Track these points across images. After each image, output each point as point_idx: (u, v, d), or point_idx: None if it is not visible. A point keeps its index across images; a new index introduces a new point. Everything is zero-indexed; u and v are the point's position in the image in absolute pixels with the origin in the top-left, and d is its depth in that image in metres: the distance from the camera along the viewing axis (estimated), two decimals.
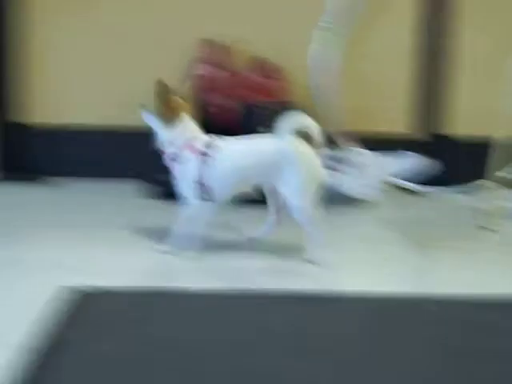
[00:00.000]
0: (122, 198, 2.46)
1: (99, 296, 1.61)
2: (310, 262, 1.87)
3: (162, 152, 1.92)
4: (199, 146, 1.89)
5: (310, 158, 1.87)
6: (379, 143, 2.52)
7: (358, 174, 2.44)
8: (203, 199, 1.89)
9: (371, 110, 2.67)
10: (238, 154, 1.90)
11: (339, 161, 2.43)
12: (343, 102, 2.49)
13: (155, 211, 2.31)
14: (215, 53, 2.56)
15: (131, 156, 2.60)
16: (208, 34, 2.57)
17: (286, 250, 1.97)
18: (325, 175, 1.90)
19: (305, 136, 1.87)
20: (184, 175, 1.90)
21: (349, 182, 2.42)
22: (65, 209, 2.35)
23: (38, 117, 2.73)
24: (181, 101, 1.93)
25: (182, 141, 1.90)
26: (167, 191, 2.30)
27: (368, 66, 2.67)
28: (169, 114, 1.90)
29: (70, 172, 2.68)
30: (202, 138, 1.91)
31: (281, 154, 1.86)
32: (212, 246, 1.95)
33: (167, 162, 1.91)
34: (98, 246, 1.97)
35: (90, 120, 2.69)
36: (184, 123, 1.91)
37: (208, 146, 1.89)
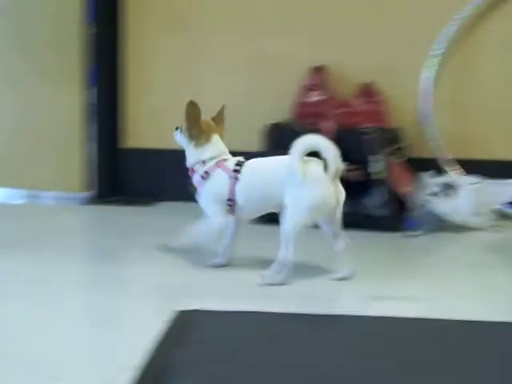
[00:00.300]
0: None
1: (208, 318, 1.62)
2: (262, 277, 1.85)
3: (192, 171, 1.99)
4: (230, 164, 1.96)
5: (317, 182, 1.83)
6: (491, 170, 2.48)
7: (467, 200, 2.40)
8: (232, 217, 1.95)
9: (483, 137, 2.63)
10: (254, 171, 1.95)
11: (447, 187, 2.40)
12: (452, 127, 2.48)
13: (254, 235, 2.32)
14: (324, 79, 2.57)
15: None
16: (316, 61, 2.59)
17: (383, 276, 1.95)
18: (331, 200, 1.84)
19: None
20: (215, 193, 1.96)
21: (456, 208, 2.39)
22: (164, 231, 2.38)
23: (135, 141, 2.82)
24: (211, 123, 2.00)
25: (213, 160, 1.97)
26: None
27: (480, 92, 2.63)
28: (200, 135, 1.98)
29: (171, 195, 2.74)
30: (230, 157, 1.99)
31: (287, 173, 1.85)
32: (299, 269, 1.95)
33: (196, 181, 1.98)
34: (201, 269, 1.99)
35: None
36: (214, 144, 1.99)
37: (238, 164, 1.96)
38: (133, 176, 2.81)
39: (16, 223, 2.48)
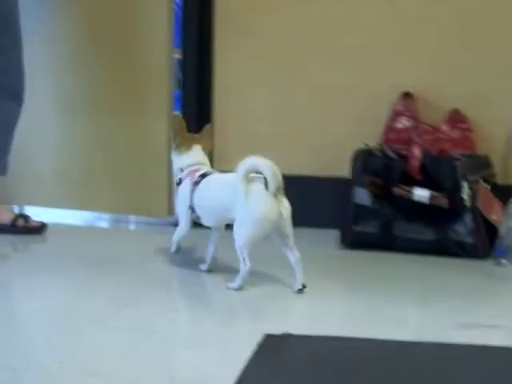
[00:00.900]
0: (315, 247, 2.51)
1: (298, 342, 1.65)
2: (228, 288, 2.03)
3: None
4: (197, 175, 2.17)
5: (258, 200, 1.99)
6: None
7: None
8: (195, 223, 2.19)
9: None
10: (208, 184, 2.15)
11: None
12: None
13: (348, 261, 2.37)
14: (412, 105, 2.60)
15: (326, 204, 2.70)
16: (405, 87, 2.62)
17: (472, 303, 1.96)
18: (272, 215, 1.98)
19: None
20: (181, 200, 2.20)
21: None
22: (258, 257, 2.42)
23: (221, 166, 2.87)
24: (196, 136, 2.25)
25: (187, 168, 2.20)
26: (365, 241, 2.40)
27: None
28: (181, 144, 2.22)
29: None
30: (203, 168, 2.20)
31: (234, 190, 2.02)
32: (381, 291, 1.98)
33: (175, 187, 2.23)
34: (288, 292, 2.03)
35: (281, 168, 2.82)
36: (193, 153, 2.22)
37: (201, 175, 2.16)
38: None
39: (99, 247, 2.56)
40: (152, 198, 2.90)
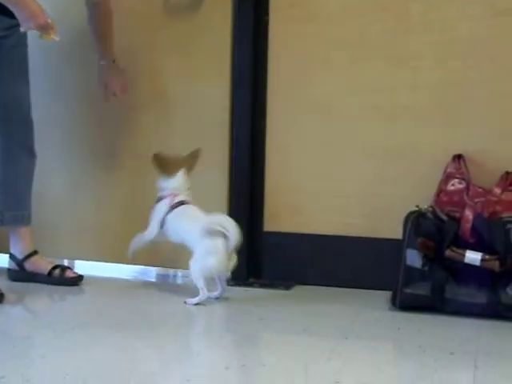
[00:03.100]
0: (367, 308, 2.60)
1: None
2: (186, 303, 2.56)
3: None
4: (176, 199, 2.70)
5: (215, 255, 2.54)
6: None
7: None
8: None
9: None
10: (180, 213, 2.69)
11: None
12: None
13: (399, 323, 2.43)
14: (464, 167, 2.69)
15: (379, 265, 2.81)
16: (457, 149, 2.72)
17: None
18: (222, 267, 2.58)
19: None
20: (157, 213, 2.71)
21: None
22: (303, 314, 2.54)
23: (274, 224, 3.02)
24: (179, 159, 2.75)
25: (169, 190, 2.72)
26: (416, 304, 2.49)
27: None
28: (161, 172, 2.74)
29: (310, 279, 2.93)
30: (182, 194, 2.72)
31: (198, 231, 2.55)
32: None
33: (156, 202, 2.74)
34: (336, 355, 2.11)
35: (329, 229, 2.93)
36: (175, 179, 2.74)
37: (178, 202, 2.69)
38: (270, 259, 3.00)
39: (146, 302, 2.69)
40: None
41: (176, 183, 2.75)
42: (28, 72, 2.90)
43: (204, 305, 2.58)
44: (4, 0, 2.53)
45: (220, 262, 2.55)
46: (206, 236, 2.54)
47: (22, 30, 2.56)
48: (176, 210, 2.70)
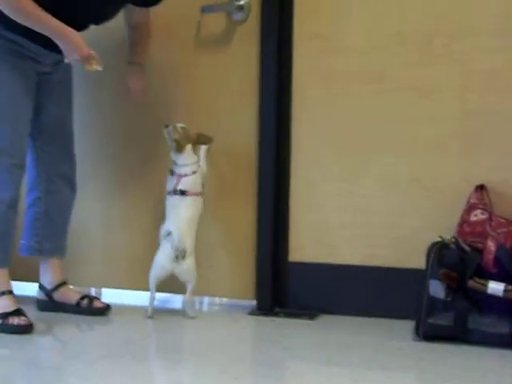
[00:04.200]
0: (390, 338, 2.67)
1: None
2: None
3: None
4: (179, 185, 2.94)
5: (160, 253, 2.87)
6: None
7: None
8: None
9: None
10: (173, 201, 2.98)
11: None
12: None
13: (422, 353, 2.50)
14: (486, 198, 2.75)
15: (403, 295, 2.87)
16: (479, 180, 2.79)
17: None
18: (165, 269, 2.85)
19: None
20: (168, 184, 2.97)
21: None
22: (328, 344, 2.61)
23: (299, 255, 3.10)
24: (189, 135, 2.97)
25: (178, 168, 2.96)
26: (439, 334, 2.56)
27: None
28: (177, 147, 2.96)
29: (335, 309, 3.01)
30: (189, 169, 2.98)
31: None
32: None
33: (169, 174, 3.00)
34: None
35: (353, 259, 3.01)
36: (184, 154, 2.97)
37: (180, 192, 2.94)
38: (296, 289, 3.09)
39: (173, 331, 2.77)
40: (233, 279, 3.15)
41: (184, 159, 2.97)
42: (73, 106, 3.05)
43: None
44: (50, 33, 2.66)
45: (166, 264, 2.85)
46: (160, 243, 2.89)
47: (66, 61, 2.72)
48: (172, 198, 2.96)
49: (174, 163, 2.97)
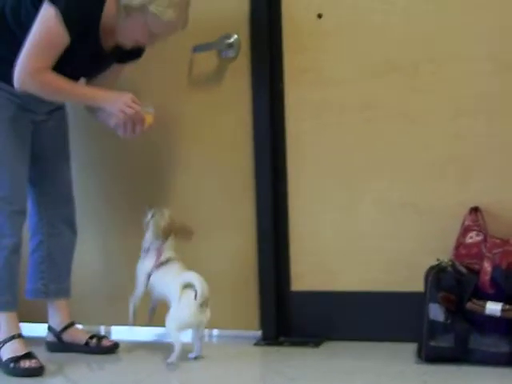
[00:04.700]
0: (392, 361, 2.75)
1: None
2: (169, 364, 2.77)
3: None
4: (162, 258, 2.93)
5: (186, 306, 2.76)
6: None
7: None
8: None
9: None
10: (164, 270, 2.92)
11: None
12: None
13: (425, 375, 2.57)
14: (481, 220, 2.84)
15: (403, 318, 2.96)
16: (472, 201, 2.87)
17: None
18: (194, 319, 2.78)
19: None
20: (141, 269, 2.97)
21: None
22: (333, 371, 2.70)
23: (301, 284, 3.18)
24: (173, 226, 2.96)
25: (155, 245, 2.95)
26: (441, 355, 2.65)
27: None
28: (159, 234, 2.95)
29: (339, 335, 3.09)
30: (167, 254, 2.94)
31: (173, 289, 2.80)
32: None
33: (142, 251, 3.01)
34: None
35: (353, 285, 3.10)
36: (168, 242, 2.95)
37: (166, 261, 2.93)
38: (299, 317, 3.17)
39: (182, 364, 2.81)
40: (237, 311, 3.23)
41: (167, 246, 2.97)
42: (69, 150, 3.14)
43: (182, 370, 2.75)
44: (83, 101, 2.88)
45: (193, 315, 2.77)
46: (178, 294, 2.78)
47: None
48: (162, 268, 2.93)
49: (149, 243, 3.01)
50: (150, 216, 2.99)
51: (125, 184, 3.40)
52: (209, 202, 3.26)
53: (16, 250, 2.88)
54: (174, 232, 2.97)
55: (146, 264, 2.96)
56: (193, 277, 2.78)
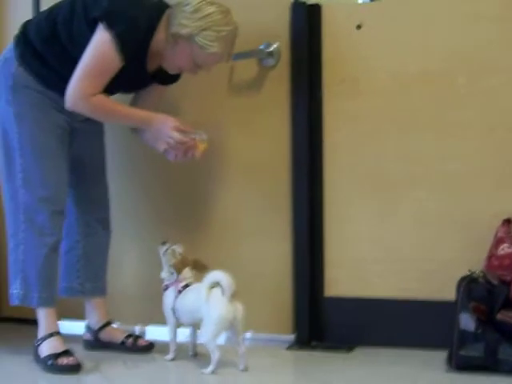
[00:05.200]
0: (423, 369, 2.82)
1: None
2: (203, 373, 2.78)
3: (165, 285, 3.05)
4: (180, 285, 2.97)
5: (216, 304, 2.75)
6: None
7: None
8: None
9: None
10: (187, 292, 2.95)
11: None
12: None
13: None
14: None
15: (435, 326, 3.02)
16: (506, 213, 2.92)
17: None
18: (228, 315, 2.75)
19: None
20: (166, 302, 3.00)
21: None
22: (370, 379, 2.78)
23: (336, 290, 3.25)
24: (188, 260, 3.02)
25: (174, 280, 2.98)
26: (471, 365, 2.71)
27: None
28: (177, 269, 2.98)
29: (371, 341, 3.16)
30: (186, 281, 2.98)
31: (199, 298, 2.80)
32: None
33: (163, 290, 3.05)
34: None
35: (386, 293, 3.17)
36: (183, 274, 2.98)
37: (184, 286, 2.95)
38: (332, 323, 3.24)
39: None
40: (271, 314, 3.32)
41: (183, 275, 3.00)
42: (105, 153, 3.25)
43: (215, 374, 2.78)
44: (135, 124, 2.99)
45: (225, 310, 2.75)
46: (205, 295, 2.78)
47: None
48: (182, 293, 2.96)
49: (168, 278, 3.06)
50: (162, 253, 3.07)
51: (164, 185, 3.50)
52: (246, 207, 3.35)
53: (56, 248, 3.01)
54: (189, 266, 3.02)
55: (168, 300, 3.00)
56: (216, 274, 2.78)
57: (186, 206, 3.44)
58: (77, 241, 3.21)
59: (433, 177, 3.09)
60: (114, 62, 2.79)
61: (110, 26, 2.75)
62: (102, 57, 2.79)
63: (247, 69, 3.29)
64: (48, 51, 2.91)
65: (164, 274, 3.04)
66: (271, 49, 3.24)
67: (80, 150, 3.12)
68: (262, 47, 3.26)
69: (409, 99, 3.12)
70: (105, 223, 3.25)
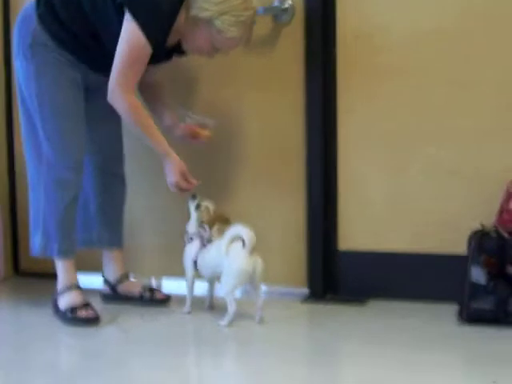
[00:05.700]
0: (434, 322, 2.90)
1: None
2: (219, 325, 2.88)
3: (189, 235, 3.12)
4: (206, 239, 3.03)
5: (236, 257, 2.83)
6: None
7: None
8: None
9: None
10: (207, 248, 3.02)
11: None
12: None
13: (466, 336, 2.73)
14: None
15: (446, 279, 3.11)
16: None
17: None
18: (248, 268, 2.83)
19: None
20: (187, 257, 3.08)
21: None
22: (383, 330, 2.86)
23: (349, 243, 3.34)
24: (217, 215, 3.10)
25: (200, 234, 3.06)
26: (482, 317, 2.80)
27: None
28: (211, 225, 3.06)
29: (384, 294, 3.25)
30: (212, 236, 3.04)
31: (220, 252, 2.88)
32: None
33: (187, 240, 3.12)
34: (416, 370, 2.43)
35: (399, 246, 3.25)
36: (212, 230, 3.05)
37: (208, 241, 3.03)
38: (346, 276, 3.33)
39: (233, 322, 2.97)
40: (285, 268, 3.40)
41: (207, 231, 3.07)
42: (122, 124, 3.30)
43: (231, 326, 2.88)
44: (153, 145, 3.06)
45: (245, 263, 2.83)
46: (225, 248, 2.86)
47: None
48: (205, 248, 3.03)
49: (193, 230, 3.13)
50: (193, 207, 3.13)
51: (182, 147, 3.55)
52: (261, 160, 3.42)
53: (75, 200, 3.10)
54: (219, 222, 3.09)
55: (191, 251, 3.07)
56: (237, 228, 2.85)
57: (202, 159, 3.48)
58: (94, 194, 3.29)
59: (445, 132, 3.14)
60: (146, 48, 2.86)
61: (135, 15, 2.83)
62: (136, 47, 2.86)
63: (262, 25, 3.33)
64: (69, 16, 2.96)
65: (191, 228, 3.12)
66: (286, 5, 3.28)
67: (96, 107, 3.17)
68: (276, 4, 3.30)
69: (423, 55, 3.16)
70: (120, 178, 3.33)
